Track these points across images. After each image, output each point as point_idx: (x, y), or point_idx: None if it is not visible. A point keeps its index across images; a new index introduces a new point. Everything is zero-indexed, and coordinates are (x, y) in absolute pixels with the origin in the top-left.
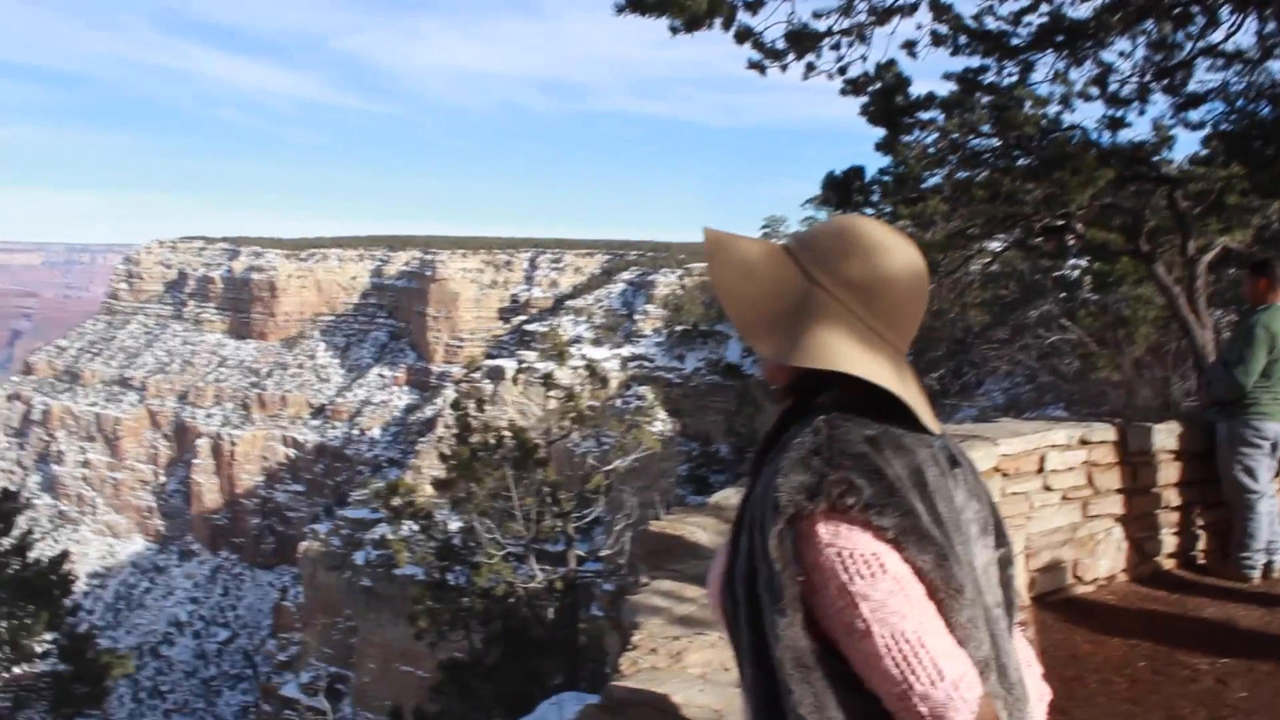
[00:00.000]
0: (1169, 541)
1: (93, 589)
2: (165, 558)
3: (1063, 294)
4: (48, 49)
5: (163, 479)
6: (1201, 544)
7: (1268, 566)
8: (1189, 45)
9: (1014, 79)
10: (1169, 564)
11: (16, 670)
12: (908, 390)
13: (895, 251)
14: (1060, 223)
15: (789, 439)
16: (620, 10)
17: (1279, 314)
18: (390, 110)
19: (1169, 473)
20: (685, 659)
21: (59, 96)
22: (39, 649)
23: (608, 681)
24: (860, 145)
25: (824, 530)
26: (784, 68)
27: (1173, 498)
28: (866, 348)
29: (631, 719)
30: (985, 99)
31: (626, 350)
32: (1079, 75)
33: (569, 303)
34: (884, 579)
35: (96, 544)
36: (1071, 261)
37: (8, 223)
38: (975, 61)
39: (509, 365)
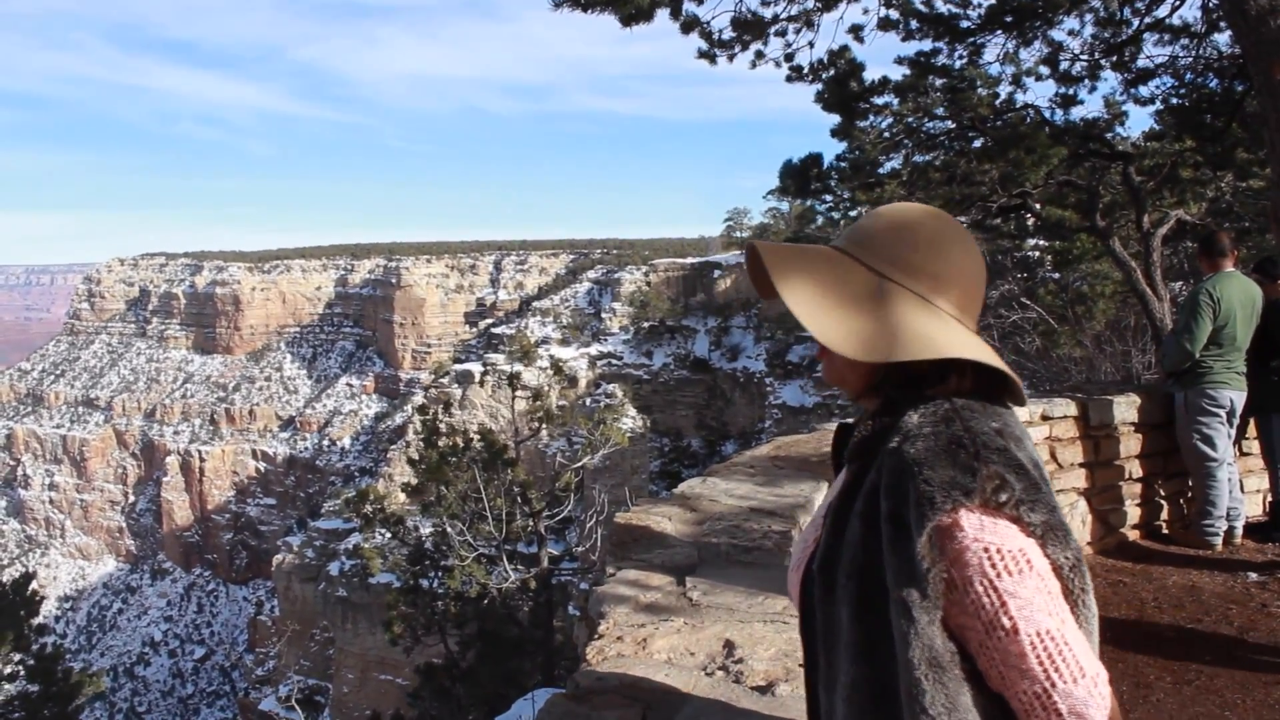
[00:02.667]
0: (1132, 512)
1: (64, 612)
2: (137, 578)
3: (1022, 274)
4: (1, 70)
5: (132, 498)
6: (1164, 513)
7: (1229, 533)
8: (1136, 21)
9: (965, 61)
10: (1133, 535)
11: None
12: (1011, 371)
13: (956, 235)
14: (1017, 202)
15: (913, 428)
16: (557, 6)
17: (1225, 281)
18: (350, 118)
19: (1130, 445)
20: (651, 645)
21: (13, 117)
22: (6, 671)
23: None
24: (821, 134)
25: (970, 524)
26: (731, 57)
27: (1135, 469)
28: (960, 333)
29: (598, 706)
30: (938, 82)
31: (595, 349)
32: (1029, 55)
33: (535, 304)
34: (1031, 576)
35: (67, 567)
36: (1031, 241)
37: None
38: (926, 45)
39: (477, 369)
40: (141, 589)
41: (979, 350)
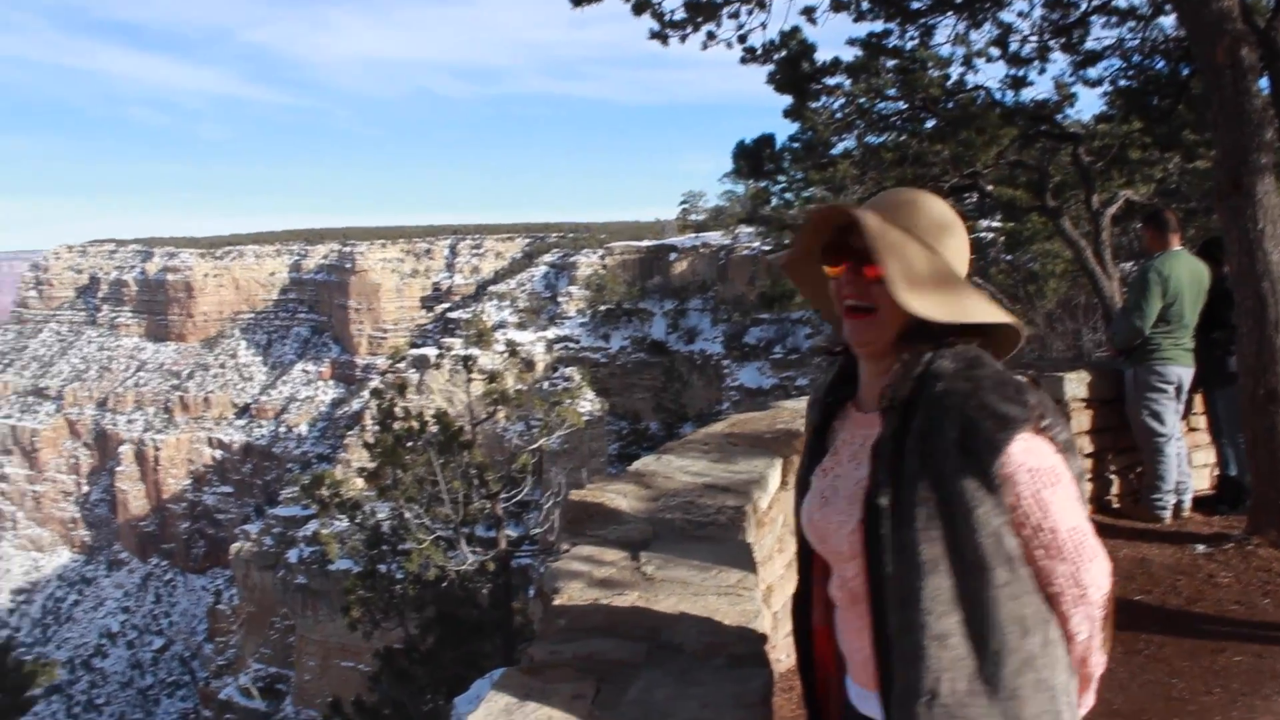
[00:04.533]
0: (1084, 488)
1: (18, 605)
2: (93, 569)
3: (974, 254)
4: None
5: (85, 489)
6: (1115, 488)
7: (1177, 506)
8: (1084, 3)
9: (916, 42)
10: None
11: None
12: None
13: (961, 226)
14: (968, 182)
15: (950, 371)
16: None
17: (1173, 260)
18: (302, 102)
19: (1081, 421)
20: None
21: None
22: None
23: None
24: (774, 116)
25: (1017, 449)
26: (683, 38)
27: (1086, 445)
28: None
29: (551, 679)
30: (890, 63)
31: (551, 332)
32: (979, 36)
33: (491, 288)
34: (1062, 485)
35: (20, 559)
36: (984, 223)
37: None
38: (878, 26)
39: (433, 354)
40: (97, 580)
41: (1012, 318)
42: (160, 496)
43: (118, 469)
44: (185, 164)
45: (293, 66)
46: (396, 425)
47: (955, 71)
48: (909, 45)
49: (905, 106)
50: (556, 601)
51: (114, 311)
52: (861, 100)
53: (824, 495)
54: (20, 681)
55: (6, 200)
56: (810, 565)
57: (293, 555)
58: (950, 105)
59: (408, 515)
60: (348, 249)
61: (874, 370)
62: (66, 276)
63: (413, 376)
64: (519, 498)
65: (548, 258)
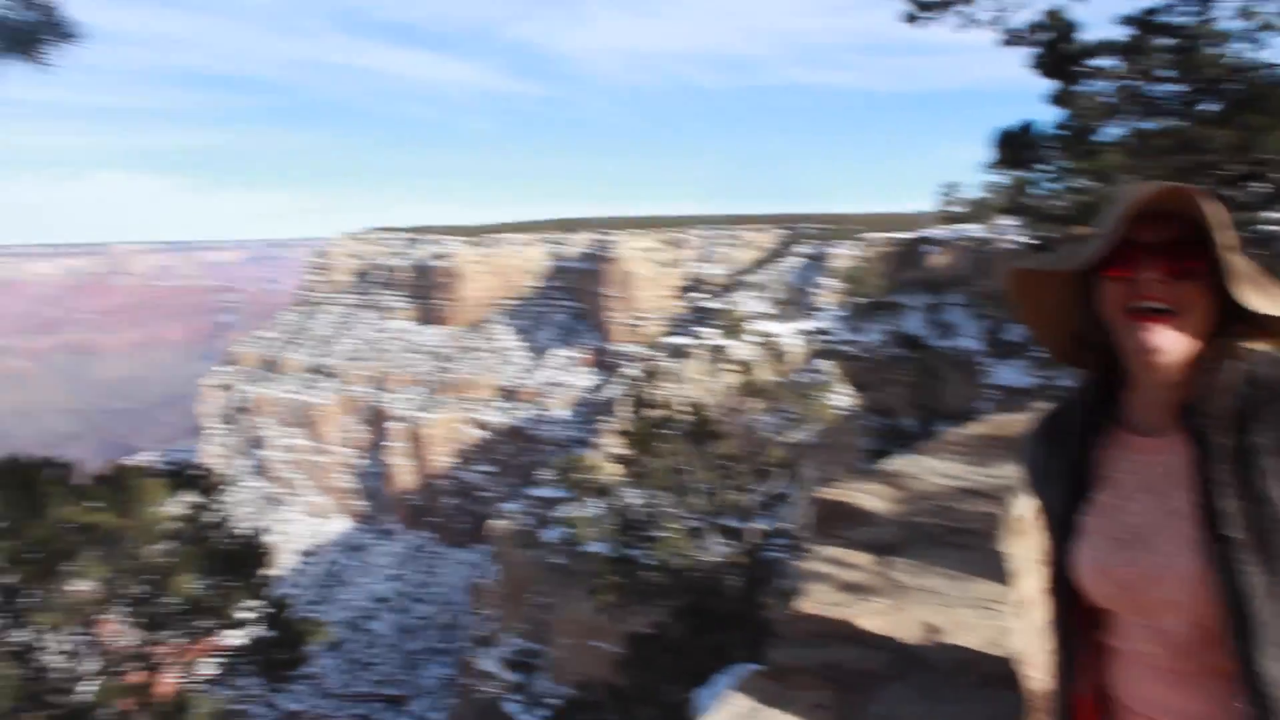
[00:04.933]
0: None
1: (304, 567)
2: (367, 537)
3: (1261, 249)
4: (240, 58)
5: (360, 461)
6: None
7: None
8: None
9: (1196, 18)
10: None
11: (226, 637)
12: None
13: None
14: (1255, 169)
15: (1274, 378)
16: None
17: None
18: (561, 94)
19: None
20: (850, 626)
21: (253, 102)
22: (242, 617)
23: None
24: (1035, 101)
25: None
26: (938, 19)
27: None
28: None
29: (792, 685)
30: (1164, 41)
31: (806, 324)
32: (1269, 7)
33: (745, 279)
34: None
35: (304, 524)
36: (1273, 214)
37: (215, 222)
38: (1150, 2)
39: (687, 343)
40: (371, 548)
41: None
42: (427, 472)
43: (388, 444)
44: (451, 155)
45: (552, 60)
46: (650, 413)
47: (1238, 48)
48: (1186, 21)
49: (1181, 88)
50: (801, 604)
51: (386, 295)
52: (1132, 83)
53: (1117, 538)
54: (296, 638)
55: (298, 191)
56: (1069, 625)
57: (549, 535)
58: (1232, 86)
59: (658, 502)
60: (604, 238)
61: (1159, 384)
62: (345, 262)
63: (667, 365)
64: (770, 491)
65: (802, 249)
